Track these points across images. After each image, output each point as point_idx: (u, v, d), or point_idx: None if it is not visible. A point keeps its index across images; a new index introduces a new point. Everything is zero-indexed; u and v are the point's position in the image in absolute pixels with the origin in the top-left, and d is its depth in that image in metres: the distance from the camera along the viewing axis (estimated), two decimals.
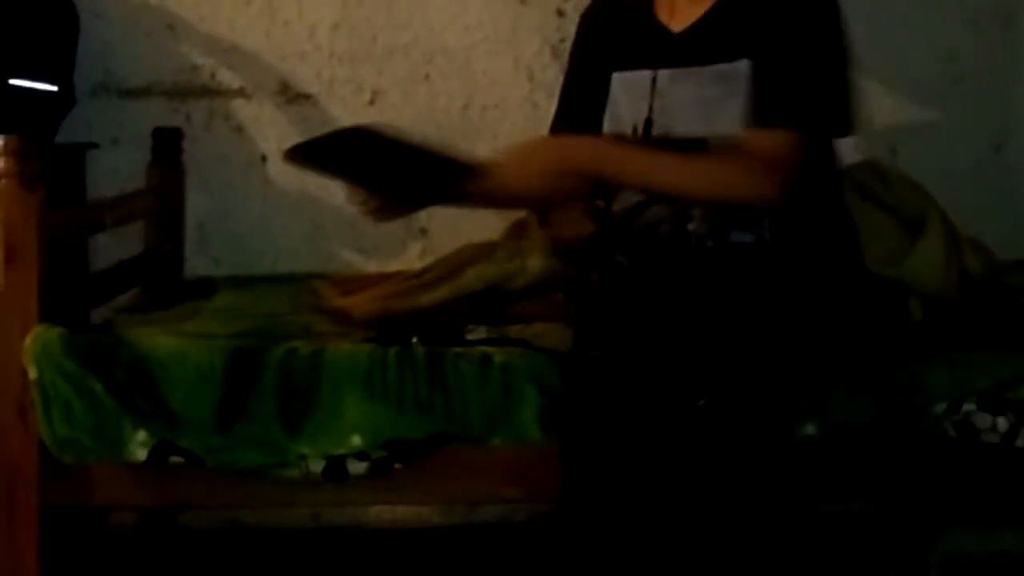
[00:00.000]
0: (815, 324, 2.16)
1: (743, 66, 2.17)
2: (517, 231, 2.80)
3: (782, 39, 2.15)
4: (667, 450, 2.00)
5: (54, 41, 3.00)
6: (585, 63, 2.44)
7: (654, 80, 2.26)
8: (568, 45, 2.99)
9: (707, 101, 2.21)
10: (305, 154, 2.14)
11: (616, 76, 2.34)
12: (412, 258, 3.02)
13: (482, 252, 2.68)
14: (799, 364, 2.17)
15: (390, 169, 2.12)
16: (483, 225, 3.00)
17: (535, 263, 2.60)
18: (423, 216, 3.24)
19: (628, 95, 2.31)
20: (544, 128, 2.48)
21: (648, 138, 2.26)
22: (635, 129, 2.28)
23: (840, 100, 2.19)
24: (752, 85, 2.15)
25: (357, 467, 2.29)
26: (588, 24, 2.48)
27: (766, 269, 2.19)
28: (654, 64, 2.27)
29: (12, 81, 2.87)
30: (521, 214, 2.85)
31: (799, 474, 2.22)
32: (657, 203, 2.26)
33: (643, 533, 2.02)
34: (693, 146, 2.19)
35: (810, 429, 2.30)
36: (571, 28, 2.81)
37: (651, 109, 2.26)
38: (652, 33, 2.30)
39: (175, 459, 2.29)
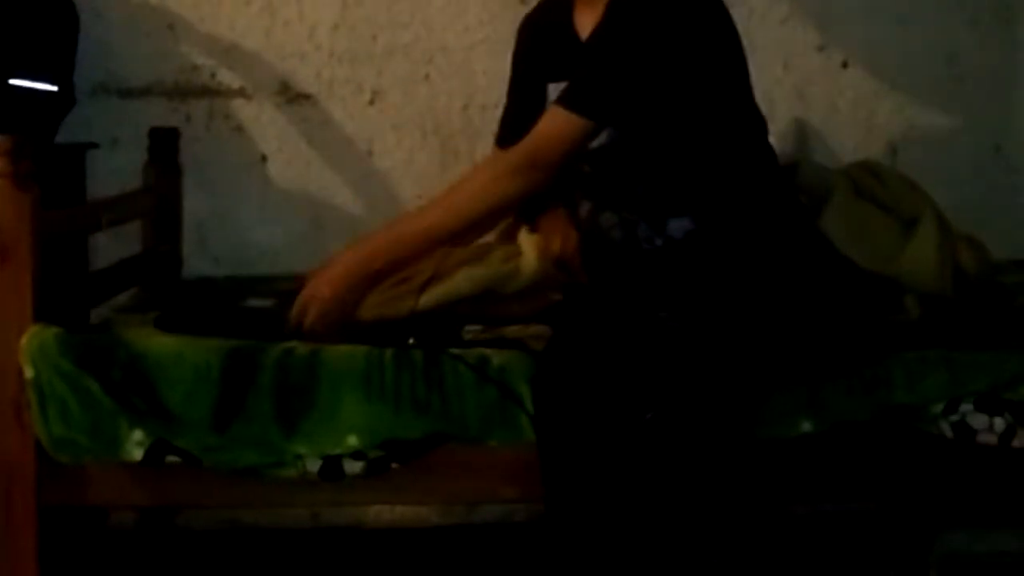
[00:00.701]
0: (780, 317, 2.20)
1: None
2: (511, 234, 2.79)
3: (603, 30, 2.26)
4: (622, 461, 2.04)
5: (54, 41, 3.00)
6: (522, 74, 2.52)
7: None
8: None
9: None
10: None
11: (551, 87, 2.38)
12: None
13: (475, 254, 2.67)
14: (765, 362, 2.20)
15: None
16: None
17: (529, 266, 2.59)
18: None
19: None
20: None
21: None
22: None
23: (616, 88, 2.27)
24: None
25: (353, 467, 2.29)
26: (523, 35, 2.55)
27: (714, 255, 2.24)
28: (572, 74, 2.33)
29: (12, 81, 2.87)
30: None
31: (767, 475, 2.24)
32: (605, 210, 2.32)
33: (613, 538, 2.06)
34: (609, 154, 2.30)
35: (806, 427, 2.30)
36: None
37: None
38: (568, 43, 2.38)
39: (172, 459, 2.29)
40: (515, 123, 2.48)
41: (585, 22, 2.36)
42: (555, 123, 2.28)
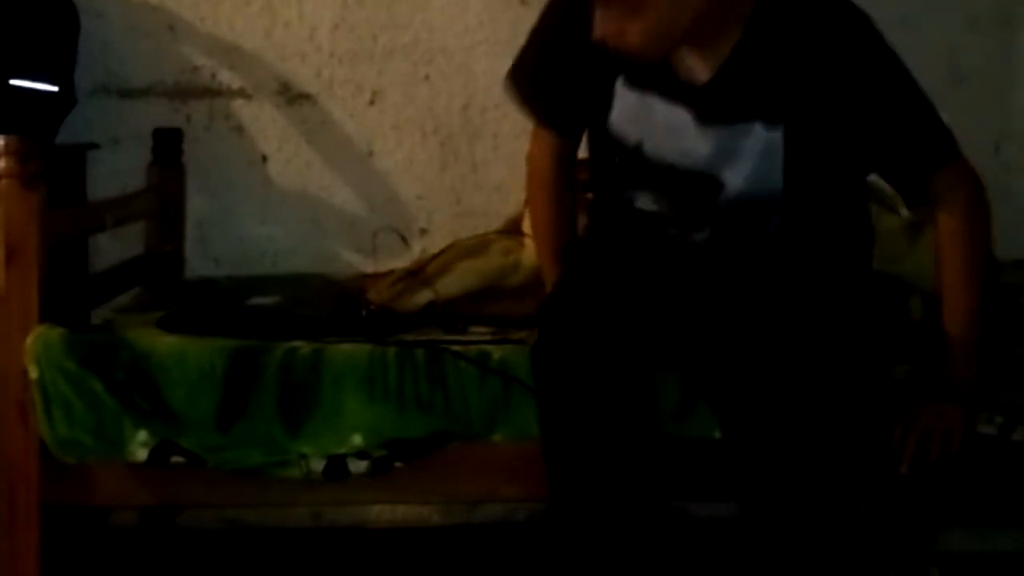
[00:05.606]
0: (816, 318, 2.15)
1: (777, 136, 2.12)
2: (512, 229, 2.80)
3: (872, 91, 2.13)
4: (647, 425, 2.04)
5: (55, 41, 3.00)
6: (583, 65, 2.23)
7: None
8: None
9: (724, 150, 2.16)
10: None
11: (622, 88, 2.21)
12: (413, 258, 3.03)
13: (476, 248, 2.68)
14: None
15: None
16: (484, 225, 3.01)
17: (531, 259, 2.59)
18: (423, 216, 3.27)
19: (631, 111, 2.22)
20: None
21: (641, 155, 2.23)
22: (639, 145, 2.21)
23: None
24: (885, 137, 2.17)
25: (358, 466, 2.29)
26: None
27: (767, 261, 2.19)
28: (662, 93, 2.18)
29: (13, 81, 2.88)
30: (517, 211, 2.86)
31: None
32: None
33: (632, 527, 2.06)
34: (707, 183, 2.17)
35: None
36: None
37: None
38: (667, 77, 2.17)
39: (176, 459, 2.29)
40: (575, 113, 2.31)
41: (695, 61, 2.13)
42: (961, 173, 2.24)
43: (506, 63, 2.34)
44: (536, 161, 2.40)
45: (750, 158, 2.14)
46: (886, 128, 2.16)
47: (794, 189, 2.14)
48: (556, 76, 2.29)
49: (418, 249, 3.12)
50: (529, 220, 2.63)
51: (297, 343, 2.34)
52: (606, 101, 2.24)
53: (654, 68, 2.13)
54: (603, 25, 2.04)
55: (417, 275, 2.67)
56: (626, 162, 2.25)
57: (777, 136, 2.11)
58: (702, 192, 2.19)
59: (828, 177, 2.19)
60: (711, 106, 2.13)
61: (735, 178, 2.16)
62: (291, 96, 3.26)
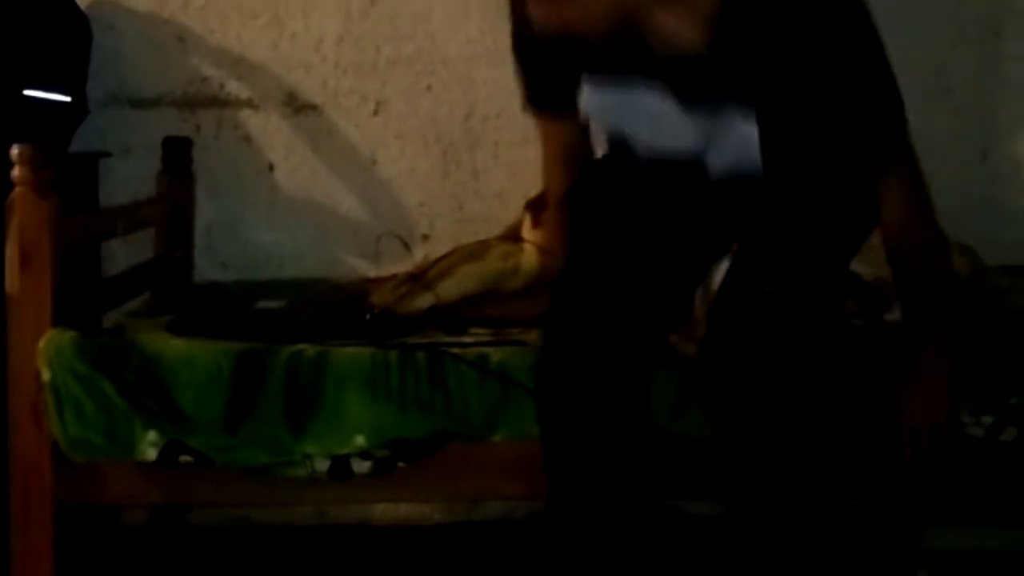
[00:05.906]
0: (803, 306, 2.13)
1: (752, 127, 2.05)
2: (512, 235, 2.82)
3: (827, 69, 2.01)
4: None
5: (67, 53, 3.04)
6: (549, 57, 2.14)
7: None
8: None
9: (707, 138, 2.12)
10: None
11: (595, 81, 2.13)
12: (415, 263, 3.06)
13: (476, 252, 2.70)
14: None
15: None
16: (484, 232, 3.04)
17: (529, 263, 2.61)
18: (425, 222, 3.31)
19: (611, 105, 2.15)
20: None
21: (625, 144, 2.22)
22: (623, 135, 2.20)
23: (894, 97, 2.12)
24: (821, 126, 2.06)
25: (361, 466, 2.33)
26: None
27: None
28: (640, 71, 2.09)
29: (27, 92, 2.91)
30: (517, 218, 2.89)
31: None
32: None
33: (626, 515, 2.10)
34: (691, 167, 2.15)
35: None
36: None
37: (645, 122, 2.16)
38: (637, 48, 2.07)
39: (185, 459, 2.32)
40: (562, 92, 2.19)
41: (674, 21, 1.99)
42: (901, 176, 2.15)
43: (507, 73, 2.37)
44: (549, 161, 2.41)
45: (730, 146, 2.09)
46: (843, 113, 2.05)
47: (774, 173, 2.09)
48: (536, 67, 2.22)
49: (420, 254, 3.13)
50: (528, 224, 2.68)
51: (302, 346, 2.38)
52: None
53: (623, 47, 2.02)
54: (545, 14, 1.91)
55: (419, 279, 2.66)
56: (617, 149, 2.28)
57: (752, 128, 2.04)
58: (687, 173, 2.17)
59: (805, 161, 2.11)
60: (693, 79, 2.04)
61: (717, 163, 2.13)
62: (297, 106, 3.30)
